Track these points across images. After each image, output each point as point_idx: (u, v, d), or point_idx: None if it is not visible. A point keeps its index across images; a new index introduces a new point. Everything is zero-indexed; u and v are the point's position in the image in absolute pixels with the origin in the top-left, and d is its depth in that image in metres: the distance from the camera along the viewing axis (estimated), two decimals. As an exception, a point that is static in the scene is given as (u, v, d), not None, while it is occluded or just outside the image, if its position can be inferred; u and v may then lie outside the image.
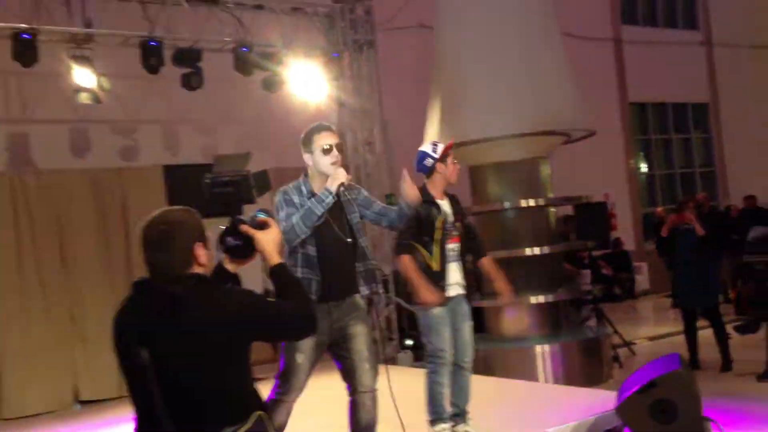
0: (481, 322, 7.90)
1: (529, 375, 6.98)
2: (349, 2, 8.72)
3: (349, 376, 3.74)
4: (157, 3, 7.43)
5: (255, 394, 2.33)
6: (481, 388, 6.35)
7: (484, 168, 7.55)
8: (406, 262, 4.33)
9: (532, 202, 7.34)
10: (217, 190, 2.43)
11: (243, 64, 7.60)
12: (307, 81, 8.11)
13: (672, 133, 16.09)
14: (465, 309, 4.55)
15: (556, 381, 6.98)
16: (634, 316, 12.02)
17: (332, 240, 3.67)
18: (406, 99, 9.51)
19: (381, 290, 8.91)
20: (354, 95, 8.81)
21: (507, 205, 7.38)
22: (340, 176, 3.60)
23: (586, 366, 7.23)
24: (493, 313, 7.70)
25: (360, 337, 3.71)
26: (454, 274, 4.46)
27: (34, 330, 7.36)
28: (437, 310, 4.37)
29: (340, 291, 3.70)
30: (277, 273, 2.39)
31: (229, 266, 2.44)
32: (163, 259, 2.23)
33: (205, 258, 2.29)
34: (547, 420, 4.95)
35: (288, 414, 3.73)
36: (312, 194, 3.67)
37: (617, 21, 14.83)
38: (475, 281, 5.10)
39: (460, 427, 4.61)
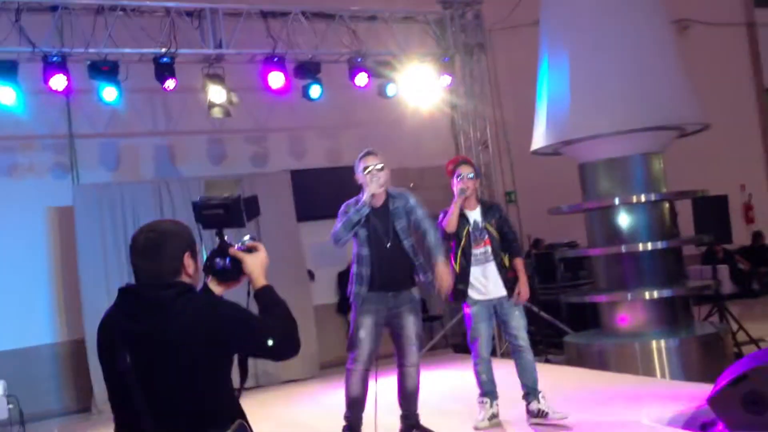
0: (596, 316, 7.94)
1: (646, 371, 6.92)
2: (459, 7, 8.97)
3: (400, 353, 4.68)
4: (279, 20, 8.04)
5: (235, 402, 2.32)
6: (587, 379, 6.49)
7: (594, 165, 7.58)
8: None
9: (643, 198, 7.29)
10: (207, 212, 2.42)
11: (357, 74, 8.06)
12: (419, 85, 8.45)
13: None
14: (510, 304, 4.91)
15: (674, 377, 6.90)
16: (772, 312, 11.43)
17: (377, 243, 4.53)
18: (522, 97, 9.60)
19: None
20: (466, 97, 9.05)
21: (617, 201, 7.37)
22: (372, 189, 4.48)
23: (704, 362, 7.07)
24: (608, 308, 7.69)
25: (410, 325, 4.62)
26: (485, 278, 4.89)
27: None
28: (472, 309, 4.93)
29: (394, 283, 4.58)
30: (263, 294, 2.36)
31: (216, 289, 2.42)
32: (151, 266, 2.25)
33: (193, 269, 2.32)
34: (645, 410, 5.03)
35: (363, 382, 4.54)
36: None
37: (749, 4, 14.09)
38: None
39: (533, 405, 4.89)
